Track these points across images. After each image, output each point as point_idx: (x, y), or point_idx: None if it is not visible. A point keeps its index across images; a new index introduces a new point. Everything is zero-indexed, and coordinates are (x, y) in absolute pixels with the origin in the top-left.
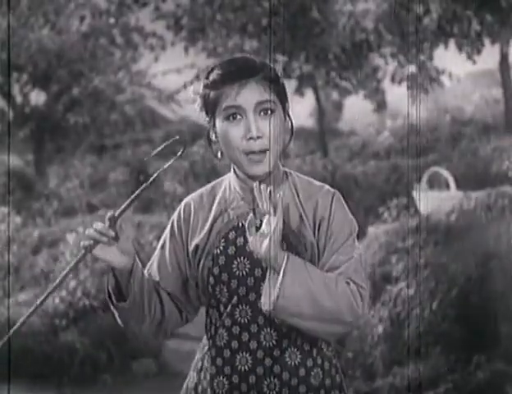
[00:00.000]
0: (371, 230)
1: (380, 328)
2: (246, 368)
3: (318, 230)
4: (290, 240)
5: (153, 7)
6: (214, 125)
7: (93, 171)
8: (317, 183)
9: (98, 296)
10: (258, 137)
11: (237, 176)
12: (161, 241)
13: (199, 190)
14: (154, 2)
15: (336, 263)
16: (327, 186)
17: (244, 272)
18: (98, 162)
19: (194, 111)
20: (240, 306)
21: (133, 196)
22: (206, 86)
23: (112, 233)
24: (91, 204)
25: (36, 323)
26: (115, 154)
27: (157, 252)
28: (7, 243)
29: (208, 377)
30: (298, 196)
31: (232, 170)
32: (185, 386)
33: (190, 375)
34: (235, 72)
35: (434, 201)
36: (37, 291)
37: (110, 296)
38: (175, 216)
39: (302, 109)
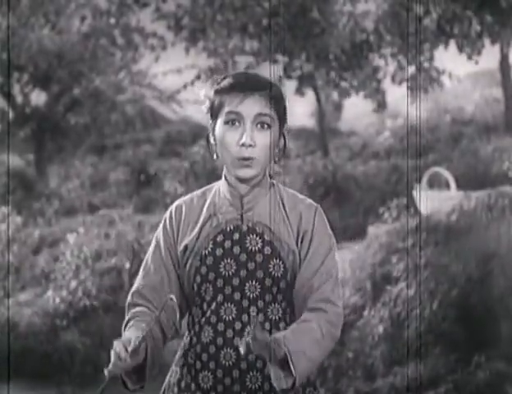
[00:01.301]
0: (371, 230)
1: (380, 328)
2: (230, 363)
3: (301, 241)
4: (275, 246)
5: (154, 8)
6: (214, 127)
7: (93, 171)
8: (301, 196)
9: (99, 296)
10: (250, 145)
11: (228, 182)
12: (153, 243)
13: (190, 195)
14: (155, 3)
15: (316, 284)
16: (310, 200)
17: (231, 273)
18: (98, 162)
19: (194, 111)
20: (226, 304)
21: (145, 332)
22: (215, 91)
23: (132, 362)
24: (92, 204)
25: (37, 323)
26: (115, 154)
27: (151, 253)
28: (7, 243)
29: (193, 373)
30: (283, 205)
31: (223, 176)
32: (166, 381)
33: (173, 370)
34: (244, 83)
35: (434, 201)
36: (37, 291)
37: (124, 382)
38: (166, 218)
39: (302, 109)
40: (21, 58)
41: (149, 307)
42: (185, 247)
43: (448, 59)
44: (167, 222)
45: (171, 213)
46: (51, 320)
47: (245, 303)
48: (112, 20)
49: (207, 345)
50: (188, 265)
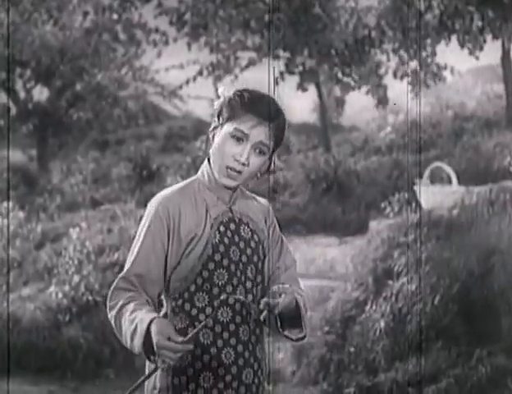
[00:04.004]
0: (373, 225)
1: (382, 323)
2: (246, 338)
3: (268, 230)
4: (258, 234)
5: (156, 3)
6: (219, 129)
7: (95, 166)
8: (257, 197)
9: (101, 291)
10: (243, 164)
11: (216, 179)
12: (143, 233)
13: (169, 190)
14: None
15: (285, 264)
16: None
17: (237, 259)
18: (100, 157)
19: (196, 106)
20: (240, 286)
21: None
22: (233, 99)
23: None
24: (94, 199)
25: (40, 318)
26: (118, 150)
27: (140, 243)
28: (7, 239)
29: (214, 351)
30: (255, 203)
31: (211, 172)
32: (161, 367)
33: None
34: (261, 110)
35: (436, 196)
36: (40, 286)
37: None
38: (159, 212)
39: (304, 105)
40: (24, 54)
41: (140, 293)
42: (193, 237)
43: (450, 54)
44: (160, 214)
45: (162, 205)
46: (53, 315)
47: (249, 284)
48: (115, 16)
49: (227, 324)
50: (194, 254)
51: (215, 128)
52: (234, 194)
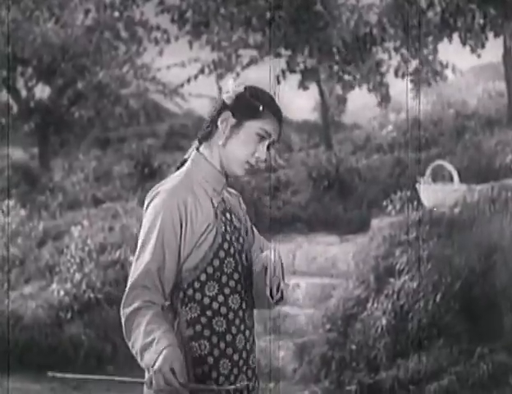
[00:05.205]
0: (374, 223)
1: (383, 321)
2: (250, 324)
3: (244, 218)
4: (245, 224)
5: (158, 1)
6: (241, 125)
7: (97, 164)
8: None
9: (103, 289)
10: (261, 161)
11: (217, 170)
12: (158, 231)
13: (171, 184)
14: None
15: (260, 248)
16: None
17: (237, 247)
18: (102, 155)
19: (198, 104)
20: (242, 274)
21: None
22: (258, 99)
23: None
24: (96, 197)
25: (41, 316)
26: (119, 148)
27: (155, 239)
28: (7, 238)
29: (229, 338)
30: (232, 195)
31: (207, 165)
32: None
33: (192, 346)
34: (281, 114)
35: (437, 194)
36: (42, 284)
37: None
38: (170, 205)
39: (306, 103)
40: (25, 52)
41: (157, 293)
42: (207, 227)
43: (451, 52)
44: (171, 206)
45: (171, 197)
46: (55, 313)
47: (245, 271)
48: (116, 14)
49: (237, 310)
50: (205, 243)
51: (229, 122)
52: (225, 185)
